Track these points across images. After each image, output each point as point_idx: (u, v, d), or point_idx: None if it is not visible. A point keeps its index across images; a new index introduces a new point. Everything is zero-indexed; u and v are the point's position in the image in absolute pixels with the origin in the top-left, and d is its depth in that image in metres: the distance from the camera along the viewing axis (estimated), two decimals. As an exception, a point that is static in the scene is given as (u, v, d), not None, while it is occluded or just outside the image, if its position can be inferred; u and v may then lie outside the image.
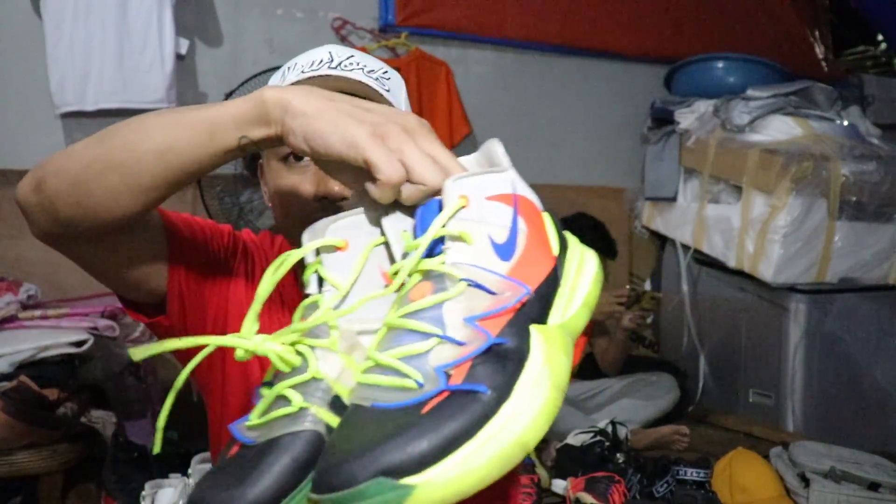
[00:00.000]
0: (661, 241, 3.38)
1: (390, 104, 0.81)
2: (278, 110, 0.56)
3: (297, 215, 0.83)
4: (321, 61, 0.83)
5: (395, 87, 0.86)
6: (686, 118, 3.18)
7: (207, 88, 2.70)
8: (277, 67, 2.77)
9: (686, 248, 3.13)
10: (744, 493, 1.97)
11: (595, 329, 2.74)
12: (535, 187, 0.54)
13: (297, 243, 0.78)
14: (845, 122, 3.05)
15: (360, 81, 0.81)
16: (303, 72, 0.83)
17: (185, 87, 2.63)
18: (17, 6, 2.44)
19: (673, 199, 3.19)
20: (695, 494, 1.90)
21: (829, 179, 2.74)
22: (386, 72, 0.86)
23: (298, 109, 0.55)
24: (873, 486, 1.92)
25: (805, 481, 1.97)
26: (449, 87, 2.97)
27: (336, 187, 0.81)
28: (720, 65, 3.27)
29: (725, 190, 3.01)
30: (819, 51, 3.87)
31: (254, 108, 0.57)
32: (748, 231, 2.83)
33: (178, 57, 2.49)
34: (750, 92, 2.99)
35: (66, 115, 2.48)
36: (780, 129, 2.92)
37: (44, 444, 1.84)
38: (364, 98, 0.78)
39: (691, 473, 1.98)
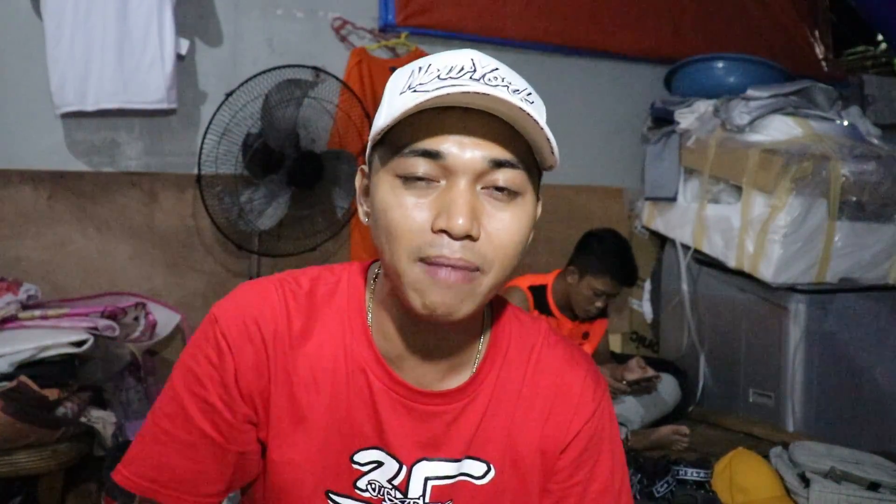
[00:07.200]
0: (661, 241, 3.38)
1: (541, 129, 0.73)
2: None
3: (405, 243, 0.72)
4: (462, 69, 0.74)
5: (539, 110, 0.76)
6: (686, 118, 3.18)
7: (207, 88, 2.70)
8: (277, 68, 2.76)
9: (686, 248, 3.12)
10: (744, 494, 1.96)
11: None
12: (535, 187, 0.54)
13: (397, 277, 0.74)
14: (845, 122, 3.05)
15: (512, 104, 0.71)
16: (439, 77, 0.73)
17: (185, 87, 2.63)
18: (17, 6, 2.44)
19: (673, 199, 3.19)
20: (695, 494, 1.90)
21: (829, 179, 2.74)
22: (530, 93, 0.77)
23: None
24: (873, 486, 1.91)
25: (805, 481, 1.97)
26: (449, 87, 2.97)
27: (460, 220, 0.70)
28: (720, 65, 3.26)
29: (725, 190, 3.00)
30: (819, 51, 3.87)
31: None
32: (748, 231, 2.83)
33: (179, 57, 2.49)
34: (750, 92, 2.98)
35: (66, 115, 2.48)
36: (780, 129, 2.92)
37: (44, 444, 1.84)
38: (508, 120, 0.73)
39: (691, 473, 1.98)
